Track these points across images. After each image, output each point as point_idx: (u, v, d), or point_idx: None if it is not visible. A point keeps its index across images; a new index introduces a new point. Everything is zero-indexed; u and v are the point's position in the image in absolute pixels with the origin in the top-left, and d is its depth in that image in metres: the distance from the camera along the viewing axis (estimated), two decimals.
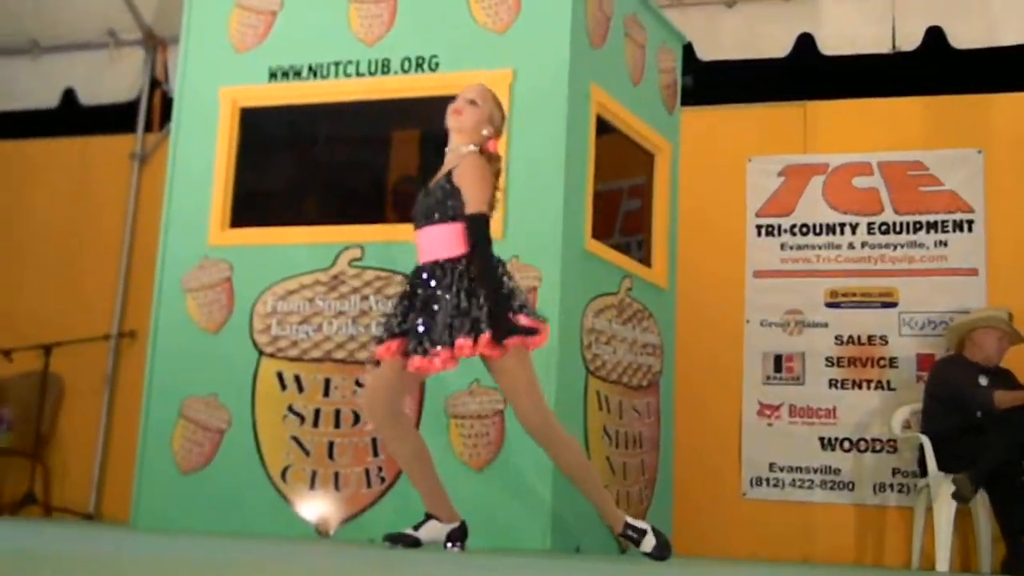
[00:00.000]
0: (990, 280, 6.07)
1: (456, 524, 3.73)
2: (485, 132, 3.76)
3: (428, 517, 3.73)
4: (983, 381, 5.45)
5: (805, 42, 6.39)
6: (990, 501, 5.26)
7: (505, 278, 3.61)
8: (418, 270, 3.69)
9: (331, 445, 4.35)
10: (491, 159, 3.73)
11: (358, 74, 4.60)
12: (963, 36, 6.22)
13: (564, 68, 4.29)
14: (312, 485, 4.35)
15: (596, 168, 4.47)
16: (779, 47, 6.43)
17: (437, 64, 4.48)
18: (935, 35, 6.24)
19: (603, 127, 4.58)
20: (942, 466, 5.32)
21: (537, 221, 4.23)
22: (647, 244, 5.08)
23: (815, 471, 6.15)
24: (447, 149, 3.80)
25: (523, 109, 4.28)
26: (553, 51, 4.33)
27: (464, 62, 4.43)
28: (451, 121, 3.78)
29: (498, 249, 4.21)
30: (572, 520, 4.20)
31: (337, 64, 4.63)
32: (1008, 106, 6.26)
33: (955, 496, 5.12)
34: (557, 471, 4.05)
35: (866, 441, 6.12)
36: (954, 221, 6.21)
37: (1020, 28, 6.11)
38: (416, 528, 3.70)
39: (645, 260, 5.01)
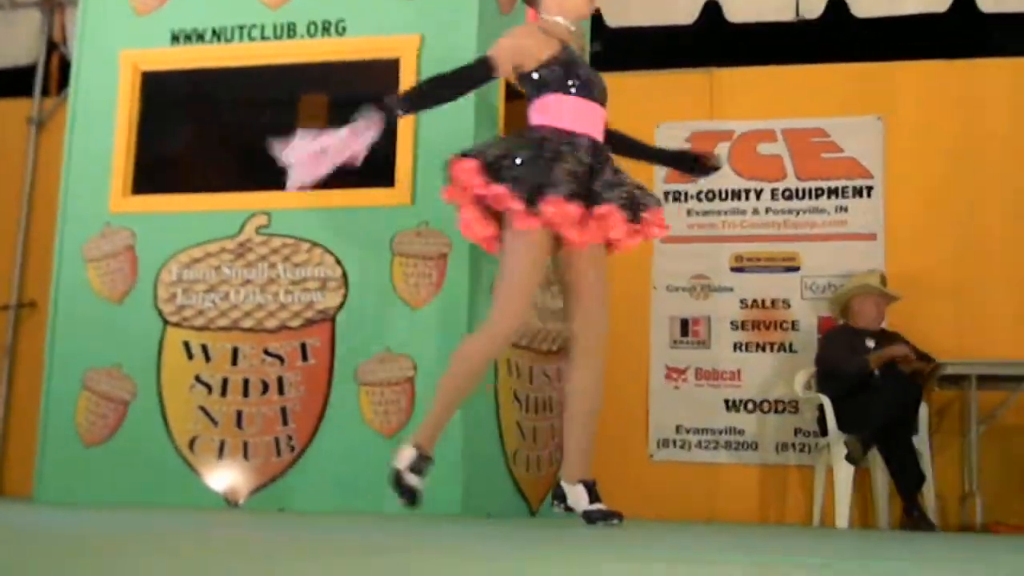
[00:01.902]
0: (888, 245, 6.23)
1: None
2: None
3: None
4: (870, 344, 5.66)
5: (711, 10, 6.45)
6: (884, 460, 5.44)
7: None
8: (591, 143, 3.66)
9: (239, 414, 4.31)
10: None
11: (263, 37, 4.53)
12: (864, 5, 6.34)
13: (472, 34, 4.28)
14: (220, 455, 4.31)
15: (506, 133, 4.47)
16: (686, 14, 6.49)
17: (344, 28, 4.43)
18: (837, 4, 6.34)
19: (512, 92, 4.58)
20: (841, 426, 5.47)
21: None
22: None
23: (720, 432, 6.28)
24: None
25: (431, 74, 4.25)
26: (461, 17, 4.31)
27: (371, 26, 4.39)
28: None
29: (407, 215, 4.22)
30: (483, 486, 4.23)
31: (241, 27, 4.55)
32: (907, 74, 6.41)
33: (847, 458, 5.29)
34: (468, 437, 4.08)
35: (769, 402, 6.26)
36: (854, 187, 6.36)
37: None
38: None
39: None
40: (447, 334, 4.13)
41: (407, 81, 4.27)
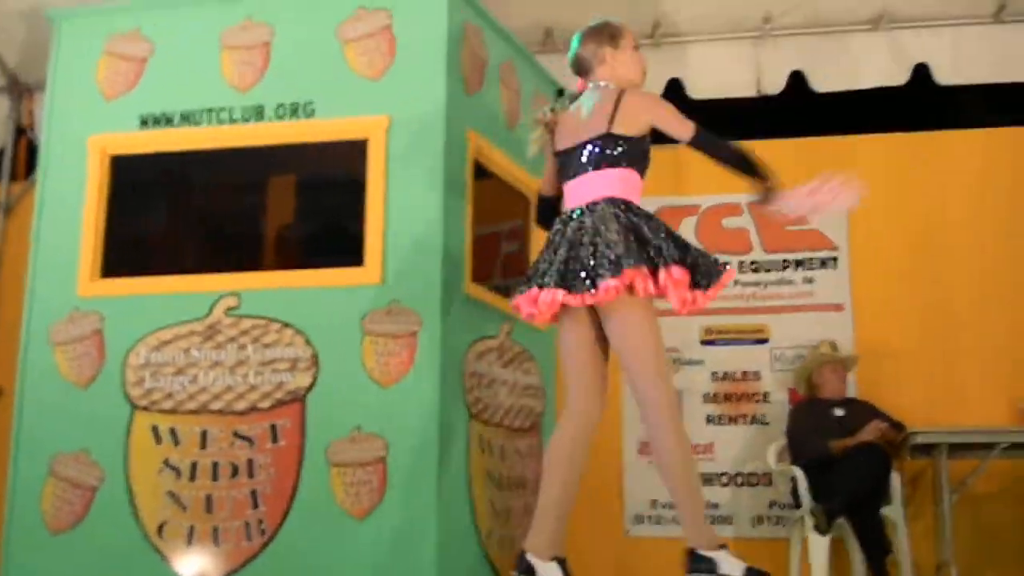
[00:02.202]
0: (855, 314, 6.29)
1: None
2: None
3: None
4: (838, 413, 5.72)
5: (674, 86, 6.55)
6: (854, 532, 5.43)
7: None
8: None
9: (209, 499, 4.25)
10: None
11: (232, 120, 4.55)
12: (824, 80, 6.47)
13: (440, 114, 4.32)
14: (190, 541, 4.24)
15: (475, 212, 4.50)
16: (650, 91, 6.57)
17: (312, 110, 4.46)
18: (798, 79, 6.47)
19: (480, 171, 4.62)
20: (815, 497, 5.47)
21: (417, 266, 4.23)
22: None
23: None
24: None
25: (400, 155, 4.30)
26: (429, 97, 4.35)
27: (339, 108, 4.42)
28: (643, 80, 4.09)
29: (377, 294, 4.22)
30: (459, 568, 4.18)
31: (210, 110, 4.57)
32: (868, 147, 6.51)
33: (815, 527, 5.29)
34: (442, 518, 4.04)
35: (743, 475, 6.25)
36: (820, 259, 6.43)
37: (878, 72, 6.37)
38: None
39: None
40: (419, 412, 4.11)
41: (375, 162, 4.29)
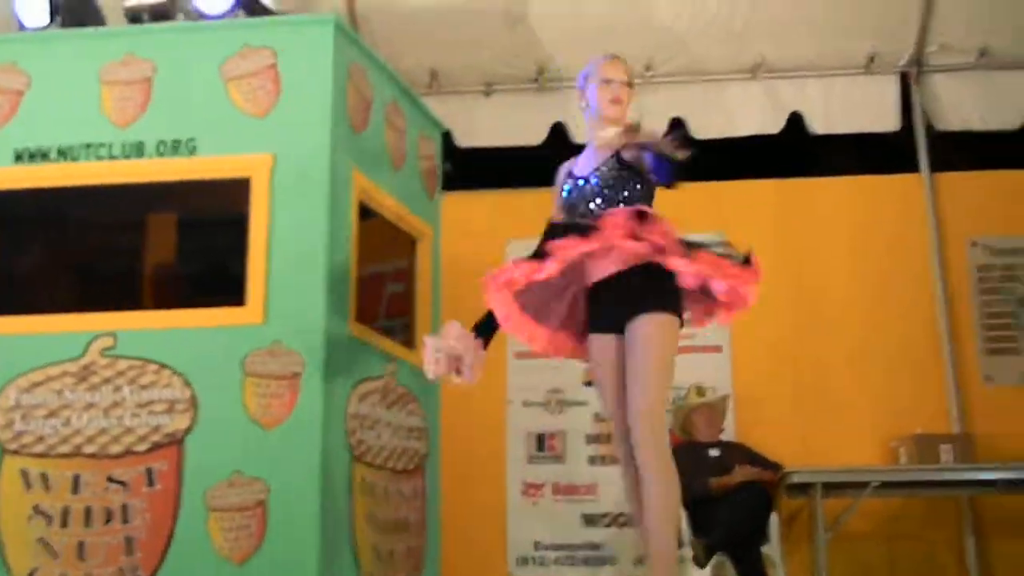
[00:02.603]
0: (734, 356, 6.42)
1: None
2: None
3: None
4: (714, 453, 5.85)
5: (559, 130, 6.64)
6: (735, 570, 5.52)
7: None
8: None
9: (81, 545, 4.10)
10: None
11: (111, 156, 4.44)
12: (703, 127, 6.63)
13: (325, 153, 4.30)
14: None
15: (360, 252, 4.48)
16: (534, 135, 6.66)
17: (194, 147, 4.39)
18: (678, 126, 6.61)
19: (366, 212, 4.60)
20: (697, 536, 5.54)
21: (299, 306, 4.17)
22: (411, 327, 5.11)
23: (578, 547, 6.27)
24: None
25: (284, 194, 4.25)
26: (314, 136, 4.32)
27: (222, 145, 4.36)
28: (612, 111, 3.92)
29: (259, 334, 4.15)
30: None
31: (88, 146, 4.46)
32: (743, 192, 6.69)
33: (693, 560, 5.35)
34: (323, 563, 3.97)
35: (626, 515, 6.30)
36: None
37: (755, 120, 6.56)
38: None
39: (409, 343, 5.02)
40: (301, 455, 4.04)
41: (258, 200, 4.24)
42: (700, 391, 6.06)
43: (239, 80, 4.42)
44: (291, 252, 4.21)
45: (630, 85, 3.95)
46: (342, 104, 4.43)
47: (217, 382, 4.14)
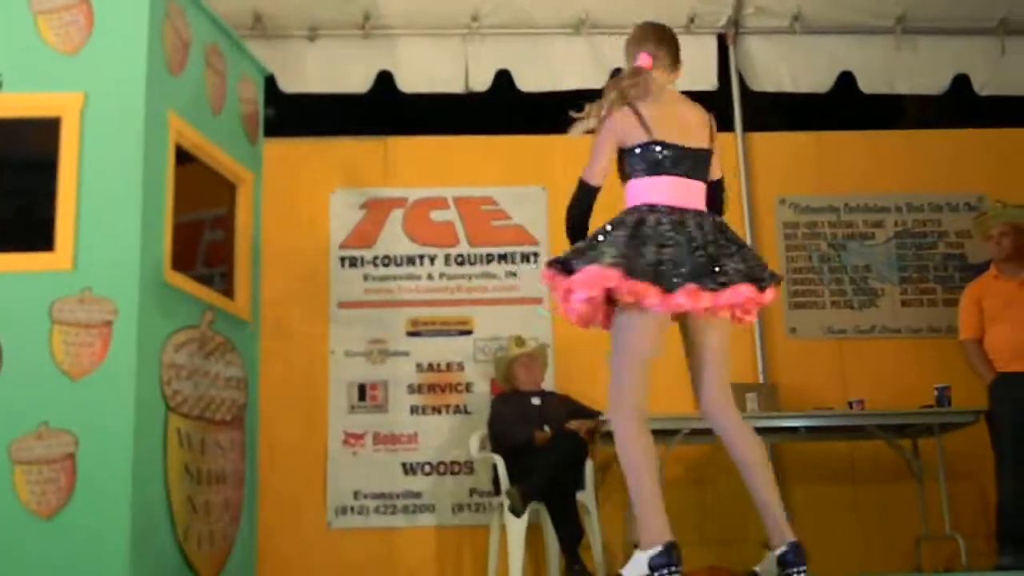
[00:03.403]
0: (555, 307, 6.53)
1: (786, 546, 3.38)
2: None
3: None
4: (535, 402, 5.97)
5: (384, 79, 6.58)
6: (549, 516, 5.65)
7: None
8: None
9: None
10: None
11: None
12: (528, 80, 6.68)
13: (140, 94, 4.13)
14: None
15: (177, 198, 4.34)
16: (360, 83, 6.58)
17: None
18: (504, 78, 6.65)
19: (183, 156, 4.46)
20: (514, 484, 5.64)
21: (112, 252, 4.02)
22: (230, 276, 5.00)
23: (398, 496, 6.31)
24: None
25: (96, 135, 4.08)
26: (128, 75, 4.15)
27: (30, 83, 4.14)
28: None
29: (68, 281, 3.99)
30: (152, 567, 4.03)
31: None
32: (566, 147, 6.74)
33: (510, 508, 5.47)
34: (136, 517, 3.88)
35: (445, 464, 6.37)
36: (522, 253, 6.64)
37: (580, 74, 6.64)
38: None
39: (228, 292, 4.92)
40: (112, 406, 3.92)
41: (69, 141, 4.05)
42: (520, 341, 6.15)
43: (49, 14, 4.19)
44: (103, 196, 4.05)
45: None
46: (159, 44, 4.26)
47: (23, 331, 3.96)
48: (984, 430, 5.74)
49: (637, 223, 3.55)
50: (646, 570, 3.30)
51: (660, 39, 3.85)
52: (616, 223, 3.61)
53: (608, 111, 3.74)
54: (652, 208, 3.59)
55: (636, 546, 3.40)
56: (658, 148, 3.64)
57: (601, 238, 3.57)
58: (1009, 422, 5.55)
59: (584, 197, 3.81)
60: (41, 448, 3.89)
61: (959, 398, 5.89)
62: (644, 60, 3.80)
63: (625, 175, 3.75)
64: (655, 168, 3.65)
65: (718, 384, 3.66)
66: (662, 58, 3.84)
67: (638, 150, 3.66)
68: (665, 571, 3.29)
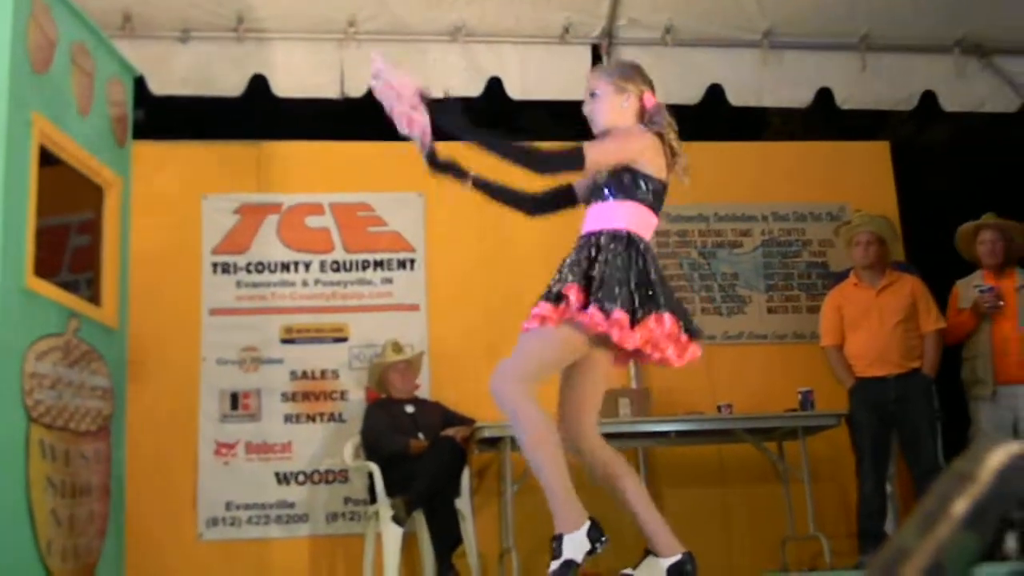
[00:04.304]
0: (430, 314, 6.54)
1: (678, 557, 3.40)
2: (625, 104, 3.65)
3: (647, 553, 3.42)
4: (409, 410, 5.97)
5: (258, 83, 6.48)
6: (427, 524, 5.65)
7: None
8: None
9: None
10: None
11: None
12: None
13: (2, 94, 4.00)
14: None
15: (41, 201, 4.20)
16: (233, 86, 6.47)
17: None
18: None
19: (48, 158, 4.33)
20: (390, 491, 5.63)
21: None
22: (97, 282, 4.87)
23: (271, 507, 6.23)
24: None
25: None
26: None
27: None
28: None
29: None
30: None
31: None
32: (443, 153, 6.77)
33: (393, 519, 5.46)
34: None
35: (320, 473, 6.31)
36: (398, 260, 6.63)
37: (455, 82, 6.64)
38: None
39: (95, 299, 4.79)
40: None
41: None
42: (397, 347, 6.14)
43: None
44: None
45: (592, 95, 3.75)
46: (22, 42, 4.13)
47: None
48: (845, 433, 5.94)
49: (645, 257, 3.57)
50: (588, 545, 3.37)
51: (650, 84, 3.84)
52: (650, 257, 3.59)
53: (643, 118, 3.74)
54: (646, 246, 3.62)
55: (556, 537, 3.40)
56: (663, 189, 3.68)
57: (656, 279, 3.54)
58: (867, 425, 5.76)
59: (563, 166, 3.65)
60: None
61: (822, 402, 6.08)
62: (651, 101, 3.77)
63: (622, 190, 3.62)
64: (656, 205, 3.67)
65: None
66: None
67: (652, 181, 3.63)
68: (603, 539, 3.38)
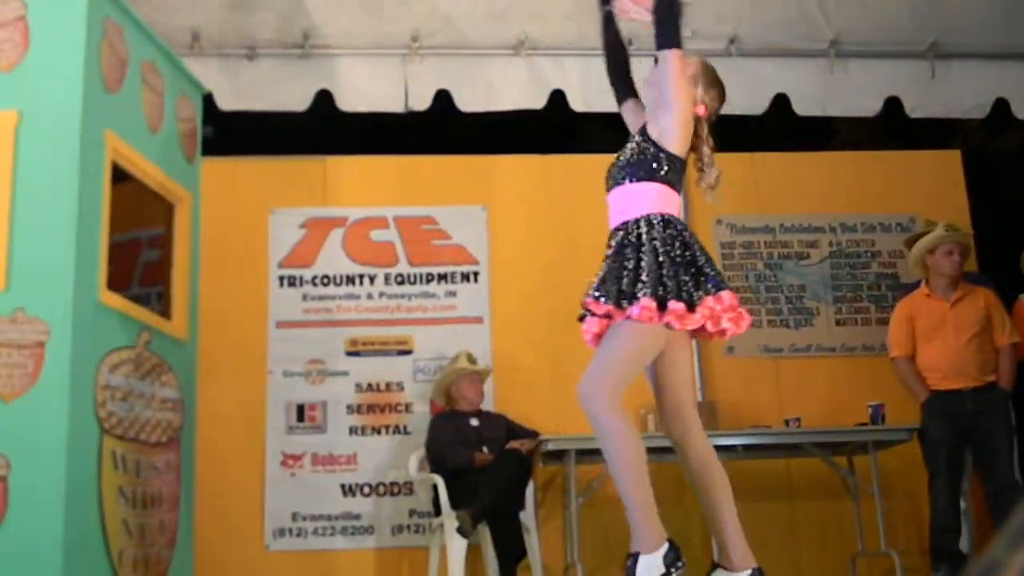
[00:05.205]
0: (494, 327, 6.55)
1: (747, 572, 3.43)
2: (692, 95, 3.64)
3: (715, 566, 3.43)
4: (474, 423, 5.95)
5: (323, 98, 6.55)
6: (492, 536, 5.65)
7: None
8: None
9: None
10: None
11: None
12: (467, 99, 6.69)
13: (76, 112, 4.09)
14: None
15: (113, 217, 4.29)
16: (299, 101, 6.54)
17: None
18: (444, 98, 6.65)
19: (120, 175, 4.41)
20: (454, 504, 5.64)
21: (45, 272, 3.97)
22: (167, 296, 4.95)
23: (337, 518, 6.27)
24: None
25: (31, 153, 4.02)
26: (64, 93, 4.10)
27: None
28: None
29: (1, 301, 3.92)
30: None
31: None
32: (506, 167, 6.82)
33: (458, 531, 5.46)
34: (68, 540, 3.82)
35: (384, 485, 6.34)
36: (462, 272, 6.64)
37: (518, 95, 6.67)
38: None
39: (165, 312, 4.86)
40: (45, 428, 3.85)
41: (2, 160, 3.99)
42: (471, 358, 6.13)
43: None
44: (37, 215, 3.99)
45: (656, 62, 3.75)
46: (95, 62, 4.22)
47: None
48: (916, 447, 5.83)
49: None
50: (663, 568, 3.31)
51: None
52: (688, 235, 3.56)
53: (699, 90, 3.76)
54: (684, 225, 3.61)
55: (632, 555, 3.36)
56: (683, 167, 3.68)
57: (702, 258, 3.51)
58: (942, 439, 5.65)
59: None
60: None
61: (893, 416, 5.98)
62: (702, 110, 3.77)
63: (648, 172, 3.60)
64: (678, 184, 3.67)
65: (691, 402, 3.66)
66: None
67: (676, 160, 3.63)
68: (679, 564, 3.32)
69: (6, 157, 4.01)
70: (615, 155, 3.73)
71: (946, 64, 6.68)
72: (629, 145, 3.73)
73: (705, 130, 3.75)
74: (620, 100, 3.94)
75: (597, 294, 3.51)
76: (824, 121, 7.47)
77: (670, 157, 3.59)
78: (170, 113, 4.91)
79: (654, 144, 3.61)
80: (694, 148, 3.71)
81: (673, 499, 5.71)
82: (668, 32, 3.65)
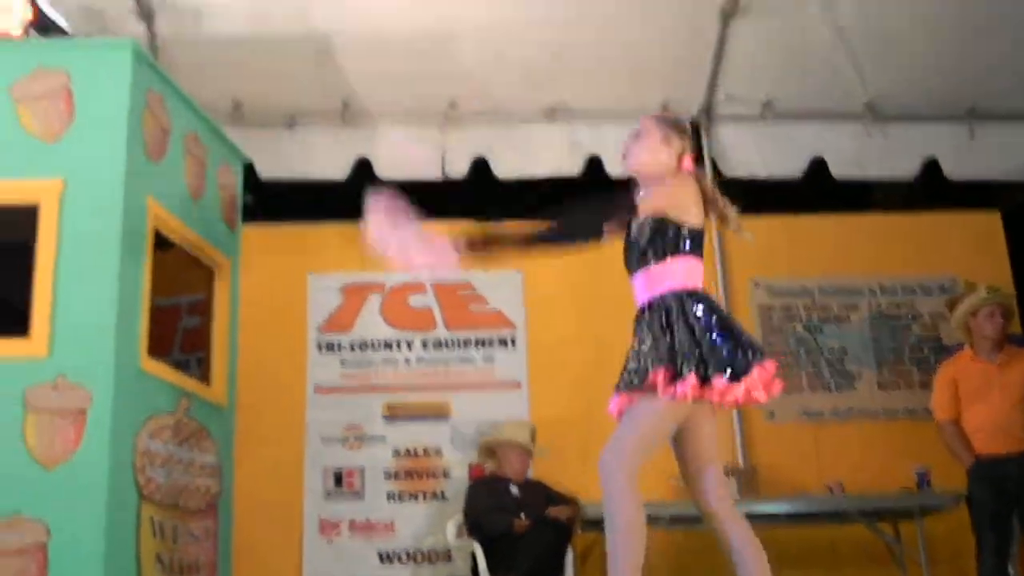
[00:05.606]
0: (532, 392, 6.53)
1: None
2: (664, 155, 3.63)
3: None
4: (514, 491, 5.86)
5: (362, 165, 6.63)
6: None
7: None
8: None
9: None
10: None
11: None
12: (504, 167, 6.74)
13: (119, 180, 4.15)
14: None
15: (155, 282, 4.34)
16: (338, 169, 6.62)
17: None
18: (480, 165, 6.71)
19: (162, 241, 4.47)
20: (493, 571, 5.58)
21: (87, 338, 4.01)
22: (207, 361, 4.98)
23: None
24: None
25: (74, 221, 4.08)
26: (108, 163, 4.17)
27: (10, 169, 4.16)
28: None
29: (42, 368, 3.96)
30: None
31: None
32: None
33: None
34: None
35: (423, 552, 6.29)
36: (499, 338, 6.64)
37: (554, 161, 6.72)
38: None
39: (204, 378, 4.89)
40: (85, 495, 3.86)
41: (46, 227, 4.05)
42: (533, 434, 6.04)
43: (30, 102, 4.23)
44: (80, 282, 4.04)
45: (637, 135, 3.77)
46: (138, 131, 4.30)
47: None
48: (964, 513, 5.71)
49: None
50: None
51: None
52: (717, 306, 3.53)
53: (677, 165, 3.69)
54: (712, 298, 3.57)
55: None
56: (702, 235, 3.63)
57: (737, 327, 3.48)
58: (988, 503, 5.53)
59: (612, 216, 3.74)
60: (12, 537, 3.83)
61: (938, 481, 5.88)
62: (689, 165, 3.74)
63: (669, 248, 3.57)
64: (700, 254, 3.61)
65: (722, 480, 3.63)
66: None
67: (693, 231, 3.58)
68: None
69: (51, 225, 4.07)
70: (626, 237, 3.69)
71: (983, 125, 6.66)
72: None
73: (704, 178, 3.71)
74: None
75: (632, 380, 3.52)
76: (862, 184, 7.44)
77: (689, 229, 3.56)
78: (211, 181, 4.98)
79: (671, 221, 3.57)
80: (706, 200, 3.64)
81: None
82: (565, 229, 3.86)
